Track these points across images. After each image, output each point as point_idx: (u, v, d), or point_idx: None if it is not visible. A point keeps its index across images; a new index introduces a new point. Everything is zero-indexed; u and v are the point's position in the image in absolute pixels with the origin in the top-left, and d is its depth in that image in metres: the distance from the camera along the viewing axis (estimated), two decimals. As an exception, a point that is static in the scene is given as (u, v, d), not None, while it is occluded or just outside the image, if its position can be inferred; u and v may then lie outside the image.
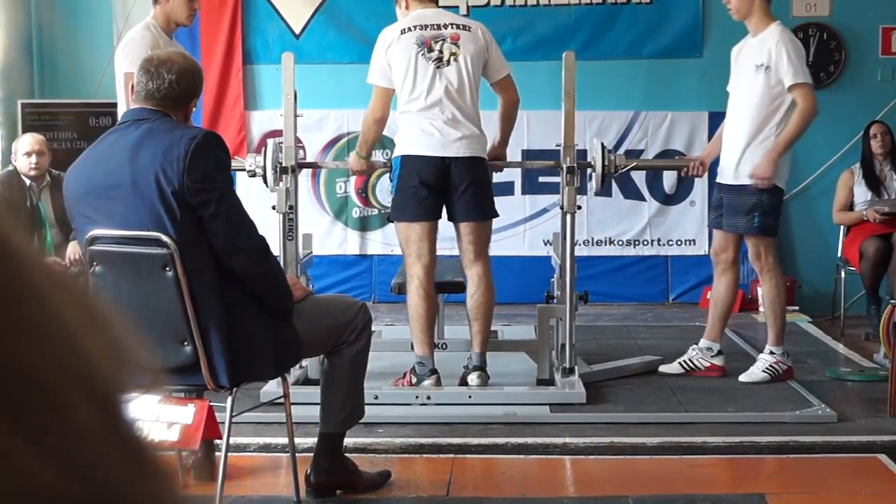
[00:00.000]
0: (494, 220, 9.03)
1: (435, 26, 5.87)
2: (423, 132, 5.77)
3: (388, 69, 5.88)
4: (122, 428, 0.52)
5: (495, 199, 9.01)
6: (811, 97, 6.02)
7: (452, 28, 5.88)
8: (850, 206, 8.06)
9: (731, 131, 6.23)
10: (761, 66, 6.03)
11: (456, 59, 5.81)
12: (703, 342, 6.44)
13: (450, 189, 5.78)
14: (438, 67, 5.80)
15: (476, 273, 5.89)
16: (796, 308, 8.51)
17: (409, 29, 5.88)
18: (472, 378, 5.84)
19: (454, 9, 9.03)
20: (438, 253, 8.19)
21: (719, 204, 6.38)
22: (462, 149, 5.75)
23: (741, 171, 6.14)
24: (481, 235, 5.92)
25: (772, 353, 6.24)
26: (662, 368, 6.42)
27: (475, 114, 5.86)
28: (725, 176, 6.28)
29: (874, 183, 7.95)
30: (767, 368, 6.20)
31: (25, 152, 7.03)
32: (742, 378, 6.20)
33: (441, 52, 5.81)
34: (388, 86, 5.91)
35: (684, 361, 6.39)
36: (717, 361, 6.37)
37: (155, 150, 3.70)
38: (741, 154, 6.13)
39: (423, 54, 5.80)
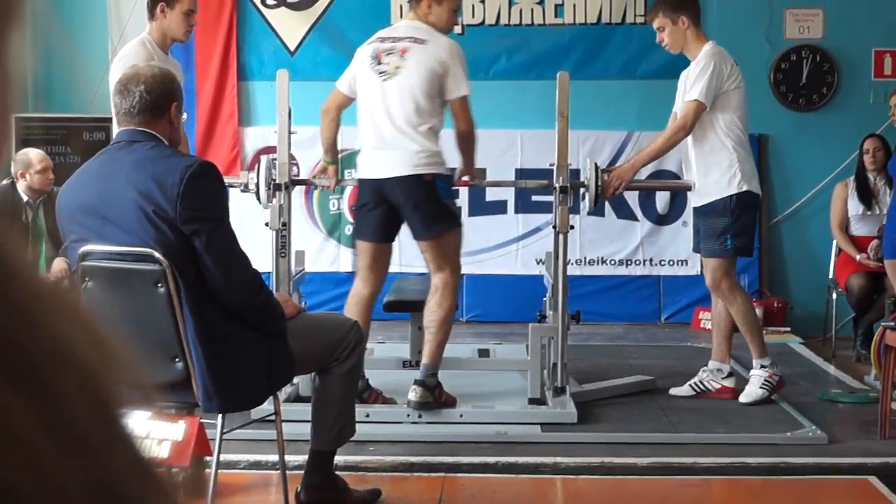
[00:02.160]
0: (487, 238, 9.07)
1: (393, 39, 5.77)
2: (365, 152, 5.81)
3: (352, 79, 5.86)
4: (124, 440, 0.53)
5: (489, 217, 9.10)
6: (691, 116, 6.04)
7: (408, 41, 5.72)
8: (845, 219, 8.07)
9: (688, 155, 6.28)
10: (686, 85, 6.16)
11: (399, 73, 5.67)
12: (711, 364, 6.41)
13: (396, 208, 5.73)
14: (384, 81, 5.69)
15: (434, 283, 5.84)
16: (788, 329, 8.52)
17: (373, 41, 5.83)
18: (410, 393, 5.67)
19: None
20: (425, 270, 8.16)
21: (697, 229, 6.42)
22: (395, 168, 5.64)
23: (701, 192, 6.19)
24: (434, 252, 5.81)
25: (762, 366, 6.22)
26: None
27: (418, 129, 5.63)
28: (693, 199, 6.36)
29: (866, 196, 7.98)
30: (763, 384, 6.18)
31: (41, 169, 7.07)
32: (742, 399, 6.17)
33: (388, 64, 5.71)
34: (345, 92, 5.93)
35: (695, 383, 6.36)
36: (728, 383, 6.32)
37: (150, 176, 3.69)
38: (695, 174, 6.20)
39: (372, 67, 5.73)
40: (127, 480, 0.52)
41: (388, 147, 5.66)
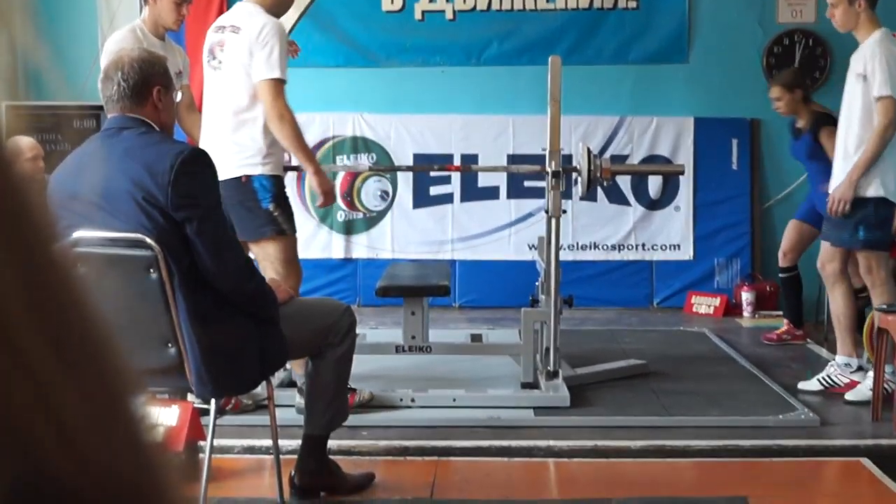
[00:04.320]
0: (480, 224, 9.07)
1: (221, 29, 5.48)
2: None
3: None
4: (130, 424, 0.53)
5: (481, 203, 9.09)
6: (890, 112, 5.83)
7: (227, 31, 5.42)
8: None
9: (838, 142, 6.15)
10: (860, 75, 5.93)
11: (221, 67, 5.41)
12: (839, 358, 6.27)
13: None
14: (214, 76, 5.46)
15: None
16: (780, 313, 8.52)
17: (209, 32, 5.57)
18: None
19: (437, 13, 9.06)
20: (421, 256, 8.17)
21: (828, 215, 6.17)
22: (222, 171, 5.13)
23: (836, 181, 6.05)
24: (258, 258, 5.39)
25: (835, 364, 6.21)
26: (801, 385, 6.24)
27: (234, 127, 5.33)
28: (832, 186, 6.15)
29: None
30: (824, 379, 6.18)
31: (32, 157, 7.05)
32: (801, 384, 6.21)
33: (217, 59, 5.43)
34: None
35: (823, 378, 6.24)
36: (858, 378, 6.15)
37: (141, 163, 3.69)
38: (842, 165, 6.04)
39: (209, 62, 5.51)
40: (127, 462, 0.52)
41: (218, 146, 5.18)
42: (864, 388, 5.96)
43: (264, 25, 5.29)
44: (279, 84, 5.28)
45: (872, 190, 5.94)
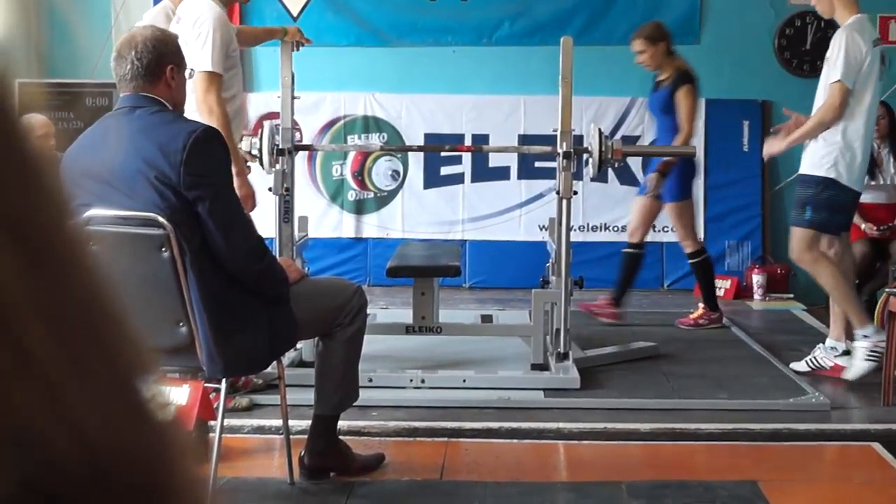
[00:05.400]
0: (490, 204, 9.06)
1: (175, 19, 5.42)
2: None
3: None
4: (140, 410, 0.52)
5: (492, 183, 9.08)
6: (837, 97, 5.91)
7: (174, 21, 5.32)
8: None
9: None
10: (827, 59, 6.04)
11: None
12: (828, 341, 6.27)
13: None
14: None
15: None
16: (791, 296, 8.52)
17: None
18: None
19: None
20: (432, 236, 8.11)
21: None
22: None
23: (803, 158, 6.18)
24: None
25: (865, 336, 6.03)
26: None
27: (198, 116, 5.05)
28: (802, 168, 6.29)
29: (870, 166, 7.93)
30: (868, 356, 6.02)
31: (42, 134, 7.04)
32: (846, 376, 6.01)
33: None
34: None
35: (810, 360, 6.24)
36: (842, 362, 6.14)
37: (154, 142, 3.69)
38: (804, 146, 6.16)
39: None
40: (139, 444, 0.51)
41: None
42: (858, 363, 5.97)
43: (199, 16, 5.25)
44: (212, 77, 5.22)
45: (823, 171, 6.02)
